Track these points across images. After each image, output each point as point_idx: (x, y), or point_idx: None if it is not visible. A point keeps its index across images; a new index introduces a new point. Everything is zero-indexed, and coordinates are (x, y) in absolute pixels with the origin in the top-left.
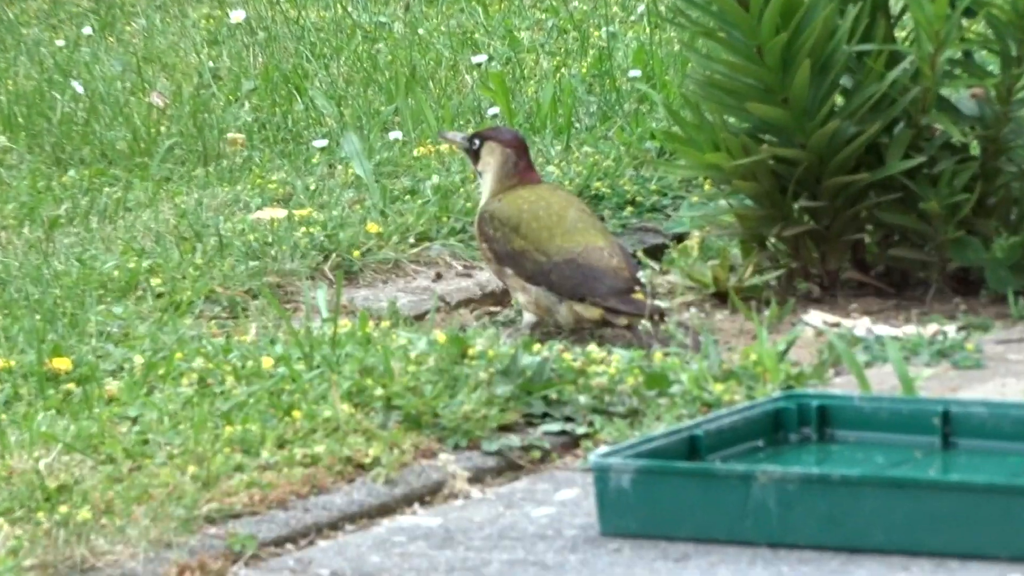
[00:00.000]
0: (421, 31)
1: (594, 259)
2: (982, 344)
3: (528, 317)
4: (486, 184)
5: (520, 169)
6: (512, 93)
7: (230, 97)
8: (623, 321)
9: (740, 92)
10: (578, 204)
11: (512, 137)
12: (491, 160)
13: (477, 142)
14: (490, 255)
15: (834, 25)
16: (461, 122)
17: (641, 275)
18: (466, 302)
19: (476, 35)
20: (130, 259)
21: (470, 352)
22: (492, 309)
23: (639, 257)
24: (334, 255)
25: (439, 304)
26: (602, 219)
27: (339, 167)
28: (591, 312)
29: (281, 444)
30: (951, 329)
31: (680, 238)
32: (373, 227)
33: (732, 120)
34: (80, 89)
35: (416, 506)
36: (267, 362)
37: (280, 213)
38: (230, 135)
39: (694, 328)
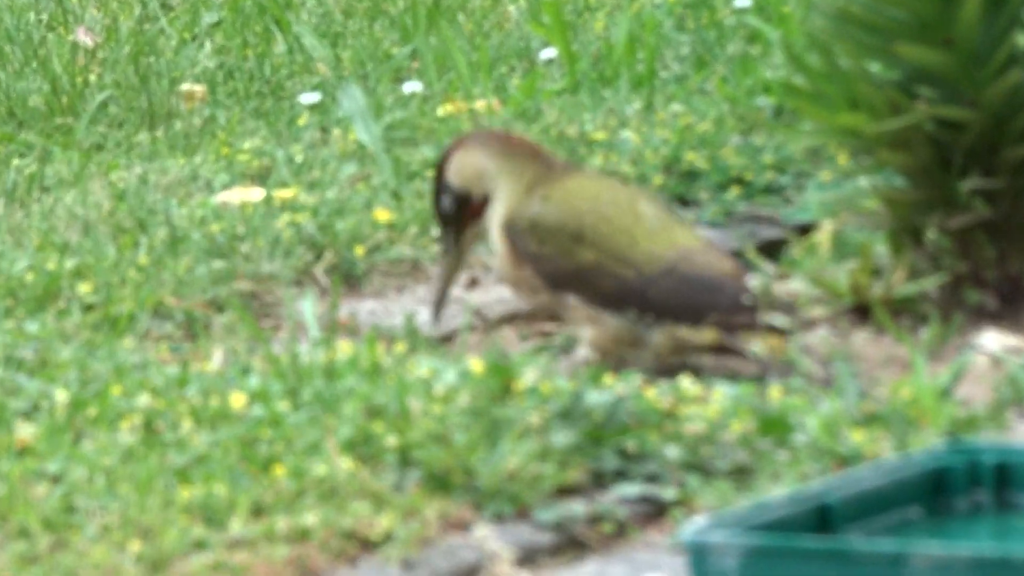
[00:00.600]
0: None
1: (700, 264)
2: None
3: (584, 353)
4: (502, 197)
5: (544, 153)
6: (573, 29)
7: (184, 34)
8: (749, 346)
9: (887, 29)
10: (643, 192)
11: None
12: (489, 165)
13: (448, 184)
14: (538, 281)
15: None
16: (503, 69)
17: (751, 281)
18: (510, 318)
19: None
20: (48, 258)
21: (517, 387)
22: (546, 328)
23: (748, 257)
24: (329, 253)
25: (474, 320)
26: (695, 205)
27: (335, 131)
28: (701, 337)
29: (258, 512)
30: None
31: (805, 230)
32: (383, 214)
33: (876, 68)
34: None
35: None
36: (237, 399)
37: (255, 194)
38: (185, 87)
39: (824, 354)
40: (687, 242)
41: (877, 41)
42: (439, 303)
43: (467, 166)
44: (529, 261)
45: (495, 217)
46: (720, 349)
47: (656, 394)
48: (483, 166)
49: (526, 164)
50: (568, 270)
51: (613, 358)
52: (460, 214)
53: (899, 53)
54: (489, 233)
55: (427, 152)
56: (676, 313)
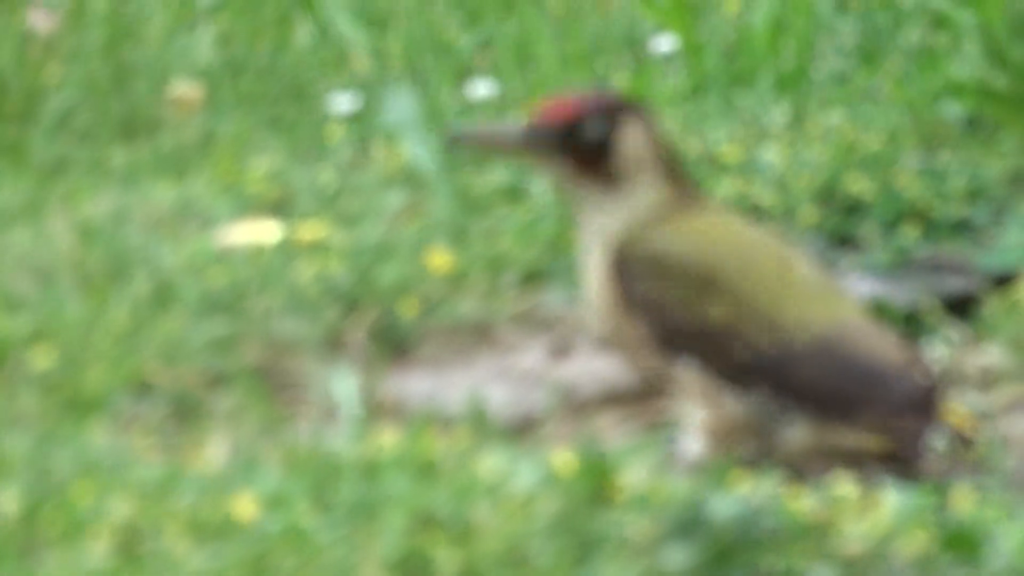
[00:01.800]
0: None
1: (864, 345)
2: None
3: (695, 447)
4: (618, 213)
5: (685, 173)
6: (697, 12)
7: (176, 19)
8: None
9: None
10: (798, 251)
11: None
12: (643, 153)
13: (604, 121)
14: (647, 338)
15: None
16: (604, 64)
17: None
18: (611, 398)
19: None
20: None
21: (616, 491)
22: (659, 412)
23: (928, 316)
24: (368, 310)
25: (561, 402)
26: (858, 247)
27: (379, 148)
28: (863, 442)
29: None
30: None
31: (1005, 281)
32: (440, 259)
33: None
34: None
35: None
36: (245, 507)
37: (269, 232)
38: (176, 88)
39: None
40: (849, 316)
41: None
42: (473, 136)
43: (635, 138)
44: (641, 309)
45: (598, 237)
46: (886, 458)
47: (803, 502)
48: (647, 157)
49: (662, 179)
50: (691, 327)
51: (730, 452)
52: (583, 156)
53: None
54: (583, 262)
55: (500, 176)
56: (823, 403)
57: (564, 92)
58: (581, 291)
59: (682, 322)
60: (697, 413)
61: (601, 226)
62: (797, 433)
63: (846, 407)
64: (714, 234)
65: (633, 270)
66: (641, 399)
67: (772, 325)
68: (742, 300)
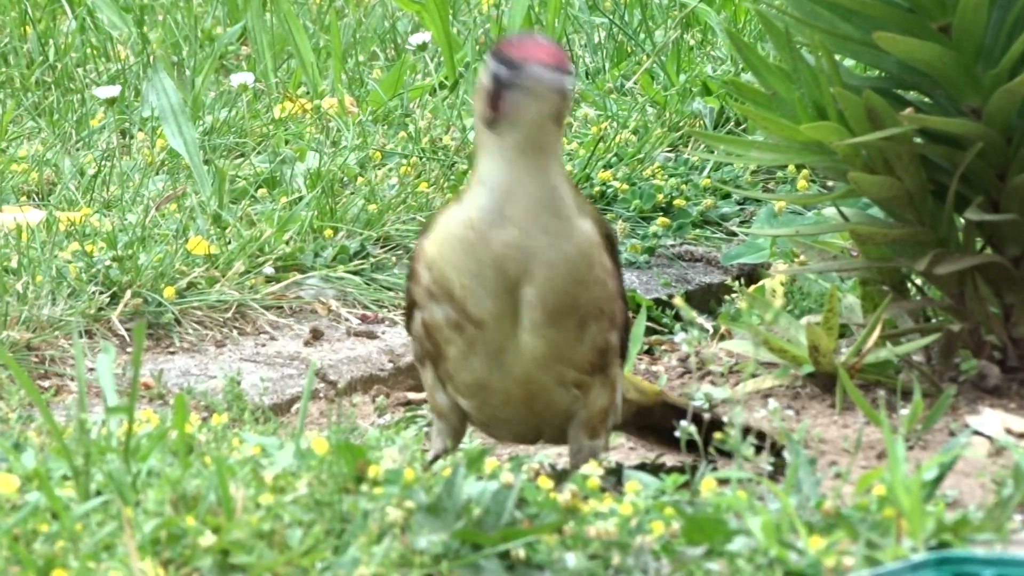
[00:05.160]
0: None
1: None
2: None
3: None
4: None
5: None
6: (453, 6)
7: None
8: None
9: (865, 14)
10: None
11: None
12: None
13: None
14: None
15: None
16: (361, 57)
17: (680, 337)
18: (365, 382)
19: None
20: None
21: (372, 472)
22: (411, 396)
23: (678, 305)
24: (130, 294)
25: (318, 385)
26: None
27: (140, 135)
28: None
29: None
30: None
31: (752, 275)
32: (200, 246)
33: (850, 64)
34: None
35: None
36: (7, 483)
37: (33, 216)
38: None
39: (774, 436)
40: None
41: (853, 30)
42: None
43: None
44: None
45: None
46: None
47: (553, 485)
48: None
49: None
50: None
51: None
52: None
53: (882, 45)
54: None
55: (260, 164)
56: None
57: (522, 37)
58: None
59: None
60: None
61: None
62: None
63: None
64: None
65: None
66: (398, 383)
67: None
68: None
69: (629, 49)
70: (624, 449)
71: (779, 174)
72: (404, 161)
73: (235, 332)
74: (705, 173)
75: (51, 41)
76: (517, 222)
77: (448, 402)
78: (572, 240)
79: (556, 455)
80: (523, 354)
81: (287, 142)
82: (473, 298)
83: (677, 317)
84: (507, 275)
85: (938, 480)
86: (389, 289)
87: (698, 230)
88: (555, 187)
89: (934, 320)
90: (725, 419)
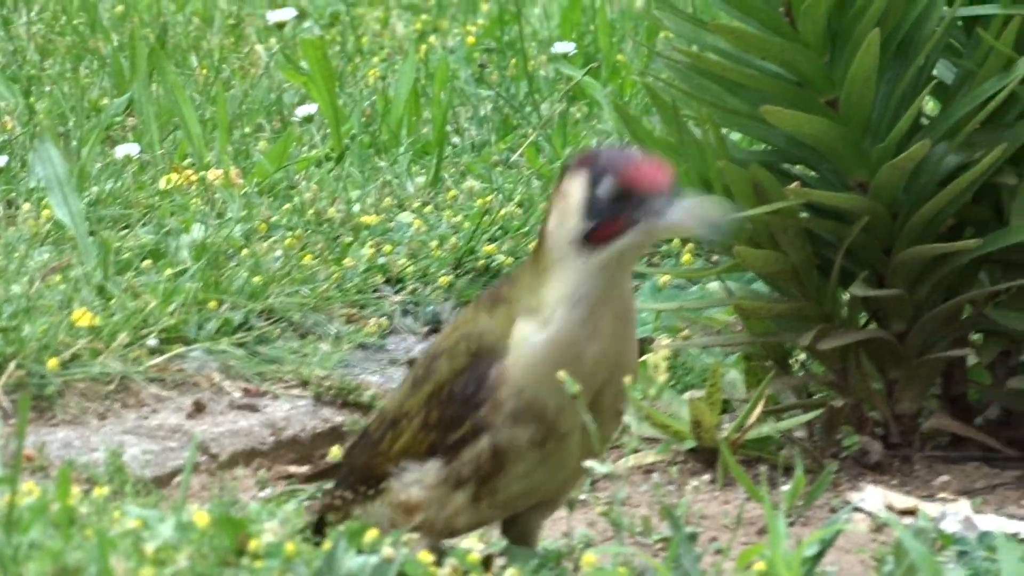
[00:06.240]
0: None
1: None
2: None
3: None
4: None
5: None
6: (340, 78)
7: None
8: None
9: (753, 87)
10: None
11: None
12: None
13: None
14: None
15: None
16: (247, 129)
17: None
18: (247, 454)
19: None
20: None
21: (253, 546)
22: (292, 469)
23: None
24: (14, 366)
25: (200, 458)
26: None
27: (26, 206)
28: None
29: None
30: None
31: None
32: (84, 317)
33: (736, 137)
34: None
35: None
36: None
37: None
38: None
39: (656, 511)
40: None
41: (740, 103)
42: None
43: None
44: None
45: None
46: None
47: (435, 561)
48: None
49: None
50: None
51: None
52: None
53: (769, 119)
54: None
55: (145, 235)
56: None
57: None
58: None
59: None
60: None
61: None
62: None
63: None
64: None
65: None
66: (280, 456)
67: None
68: None
69: (515, 122)
70: None
71: (664, 248)
72: (289, 233)
73: (118, 404)
74: None
75: None
76: (605, 336)
77: (470, 522)
78: (636, 339)
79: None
80: (578, 451)
81: (172, 213)
82: (563, 414)
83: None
84: (594, 387)
85: (819, 556)
86: (272, 362)
87: None
88: (631, 295)
89: (817, 396)
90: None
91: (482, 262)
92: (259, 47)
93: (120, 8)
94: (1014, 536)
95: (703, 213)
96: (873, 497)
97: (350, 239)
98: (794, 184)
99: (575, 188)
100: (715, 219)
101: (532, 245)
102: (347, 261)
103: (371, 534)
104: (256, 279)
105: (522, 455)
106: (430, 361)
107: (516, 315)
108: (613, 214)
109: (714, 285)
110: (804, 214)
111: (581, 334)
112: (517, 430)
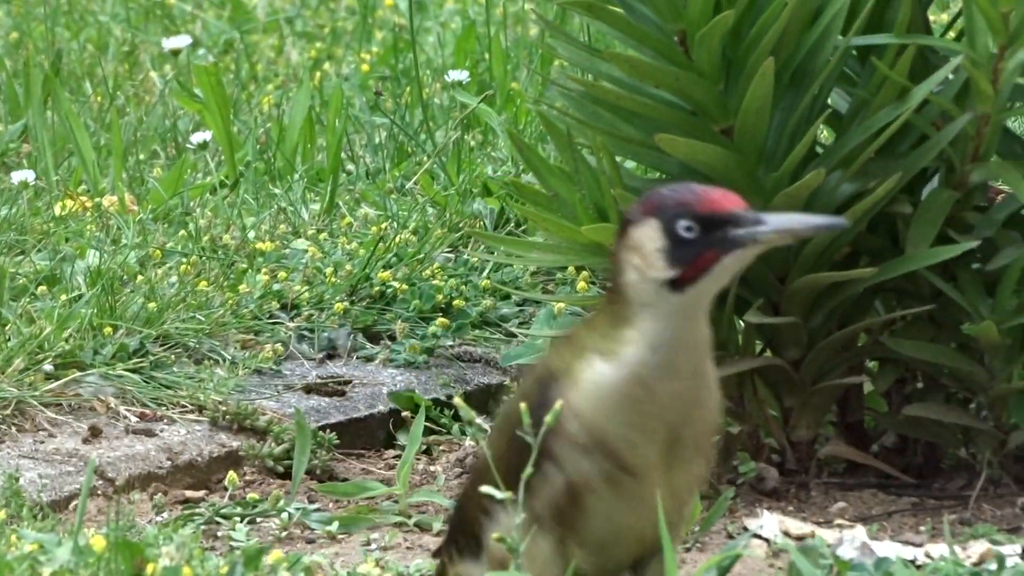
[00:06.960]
0: None
1: None
2: None
3: None
4: None
5: None
6: (234, 106)
7: None
8: None
9: (647, 116)
10: None
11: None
12: None
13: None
14: None
15: (818, 1)
16: (142, 156)
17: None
18: (143, 479)
19: None
20: None
21: (150, 570)
22: (190, 494)
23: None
24: None
25: (96, 482)
26: (392, 339)
27: None
28: None
29: None
30: (1012, 550)
31: None
32: None
33: (631, 165)
34: None
35: None
36: None
37: None
38: None
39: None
40: None
41: (635, 131)
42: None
43: None
44: None
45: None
46: None
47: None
48: None
49: None
50: None
51: None
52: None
53: (663, 147)
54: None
55: (40, 262)
56: None
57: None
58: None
59: None
60: None
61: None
62: None
63: None
64: None
65: None
66: (177, 482)
67: None
68: None
69: (410, 150)
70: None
71: (559, 275)
72: (184, 260)
73: (14, 429)
74: (485, 274)
75: None
76: (683, 374)
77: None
78: (714, 379)
79: None
80: (665, 491)
81: (67, 240)
82: (633, 450)
83: (456, 417)
84: (670, 425)
85: None
86: (168, 387)
87: (477, 331)
88: (708, 333)
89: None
90: None
91: (377, 289)
92: (154, 74)
93: (14, 35)
94: (911, 562)
95: (799, 217)
96: (770, 523)
97: (245, 266)
98: None
99: (649, 237)
100: (816, 220)
101: (599, 303)
102: (242, 287)
103: (274, 554)
104: (151, 305)
105: (597, 492)
106: (508, 405)
107: (589, 354)
108: (699, 251)
109: None
110: None
111: (656, 371)
112: (584, 462)
